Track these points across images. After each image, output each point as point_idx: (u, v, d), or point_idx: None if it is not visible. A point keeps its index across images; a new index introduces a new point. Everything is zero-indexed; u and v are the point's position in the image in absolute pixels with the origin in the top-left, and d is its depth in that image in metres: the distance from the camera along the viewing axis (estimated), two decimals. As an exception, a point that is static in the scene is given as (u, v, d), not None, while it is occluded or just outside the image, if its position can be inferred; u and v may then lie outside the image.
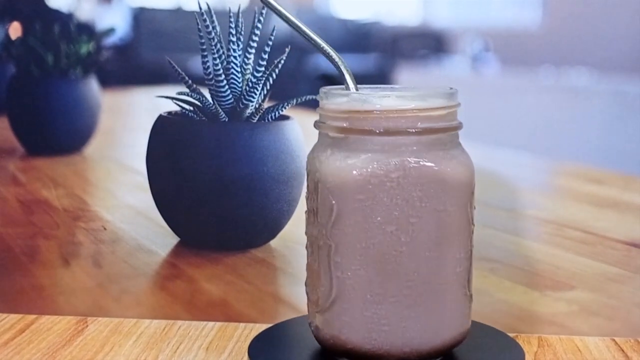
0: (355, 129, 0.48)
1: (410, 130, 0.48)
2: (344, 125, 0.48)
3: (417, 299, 0.48)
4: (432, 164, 0.48)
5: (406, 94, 0.51)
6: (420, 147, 0.48)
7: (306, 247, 0.51)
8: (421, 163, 0.48)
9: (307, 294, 0.51)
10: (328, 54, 0.52)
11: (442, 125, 0.49)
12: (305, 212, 0.50)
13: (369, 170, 0.47)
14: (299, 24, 0.53)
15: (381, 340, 0.48)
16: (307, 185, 0.50)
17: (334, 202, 0.47)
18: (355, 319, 0.48)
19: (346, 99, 0.49)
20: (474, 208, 0.51)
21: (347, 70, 0.52)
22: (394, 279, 0.48)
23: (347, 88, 0.51)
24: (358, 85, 0.52)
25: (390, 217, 0.47)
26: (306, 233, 0.51)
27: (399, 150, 0.48)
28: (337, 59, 0.52)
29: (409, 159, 0.47)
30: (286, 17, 0.53)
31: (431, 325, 0.49)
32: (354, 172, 0.47)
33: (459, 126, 0.50)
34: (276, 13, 0.53)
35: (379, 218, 0.47)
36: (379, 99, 0.49)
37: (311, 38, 0.52)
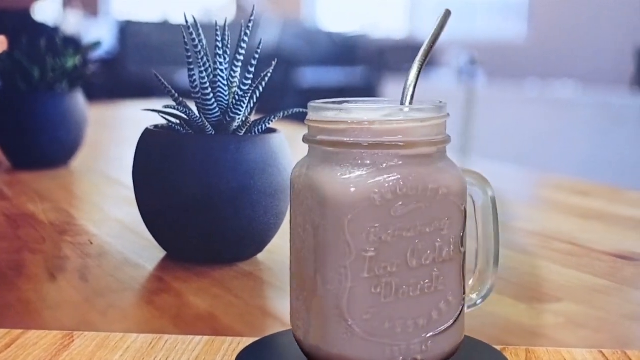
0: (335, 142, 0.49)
1: (391, 143, 0.48)
2: (443, 138, 0.50)
3: (308, 304, 0.50)
4: (314, 176, 0.49)
5: (393, 107, 0.51)
6: (327, 159, 0.49)
7: (381, 287, 0.52)
8: (308, 174, 0.49)
9: (378, 340, 0.52)
10: (417, 69, 0.53)
11: (426, 140, 0.49)
12: (378, 248, 0.51)
13: (292, 174, 0.51)
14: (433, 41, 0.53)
15: (299, 332, 0.51)
16: (389, 214, 0.51)
17: (464, 209, 0.50)
18: (291, 305, 0.52)
19: (333, 112, 0.50)
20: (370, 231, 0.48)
21: (414, 89, 0.52)
22: (298, 279, 0.51)
23: (402, 103, 0.52)
24: (357, 99, 0.53)
25: (298, 220, 0.50)
26: (387, 268, 0.52)
27: (312, 158, 0.50)
28: (414, 77, 0.52)
29: (306, 168, 0.50)
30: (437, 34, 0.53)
31: (317, 334, 0.50)
32: (463, 178, 0.51)
33: (446, 140, 0.50)
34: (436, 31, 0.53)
35: (297, 218, 0.51)
36: (360, 113, 0.49)
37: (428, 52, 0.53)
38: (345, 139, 0.48)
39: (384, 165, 0.48)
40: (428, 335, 0.49)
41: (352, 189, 0.47)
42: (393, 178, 0.48)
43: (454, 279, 0.50)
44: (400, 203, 0.47)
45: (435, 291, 0.49)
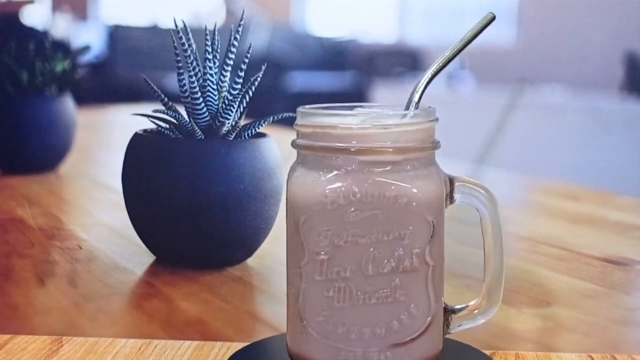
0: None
1: (434, 146, 0.49)
2: (411, 145, 0.49)
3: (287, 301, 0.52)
4: (288, 178, 0.50)
5: (382, 112, 0.51)
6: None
7: (334, 291, 0.51)
8: (288, 175, 0.51)
9: (332, 343, 0.50)
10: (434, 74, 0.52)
11: (386, 146, 0.48)
12: (332, 251, 0.50)
13: (439, 185, 0.50)
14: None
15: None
16: (343, 219, 0.49)
17: (431, 221, 0.49)
18: (440, 334, 0.52)
19: (308, 117, 0.50)
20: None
21: (421, 94, 0.52)
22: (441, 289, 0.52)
23: (407, 107, 0.51)
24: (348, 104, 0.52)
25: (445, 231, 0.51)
26: (341, 273, 0.50)
27: (295, 162, 0.51)
28: (425, 81, 0.52)
29: (290, 170, 0.51)
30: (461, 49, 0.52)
31: (287, 330, 0.52)
32: (437, 188, 0.50)
33: (420, 147, 0.50)
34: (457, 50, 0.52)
35: (445, 232, 0.51)
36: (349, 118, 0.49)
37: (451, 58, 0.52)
38: (311, 143, 0.49)
39: (342, 170, 0.48)
40: (387, 345, 0.48)
41: (306, 192, 0.48)
42: (346, 183, 0.47)
43: (418, 291, 0.49)
44: (354, 209, 0.47)
45: (395, 301, 0.48)
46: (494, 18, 0.52)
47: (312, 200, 0.48)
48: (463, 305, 0.53)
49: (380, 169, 0.48)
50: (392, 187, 0.47)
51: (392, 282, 0.48)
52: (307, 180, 0.48)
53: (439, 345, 0.51)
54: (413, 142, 0.48)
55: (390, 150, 0.48)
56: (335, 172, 0.48)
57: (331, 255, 0.48)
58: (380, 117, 0.50)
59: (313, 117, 0.49)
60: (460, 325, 0.53)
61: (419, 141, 0.49)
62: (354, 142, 0.47)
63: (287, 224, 0.50)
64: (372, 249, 0.47)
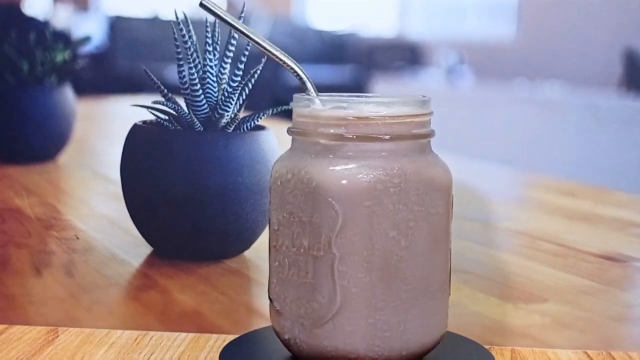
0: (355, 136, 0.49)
1: (384, 137, 0.49)
2: (342, 132, 0.49)
3: (414, 301, 0.50)
4: (425, 168, 0.50)
5: (379, 101, 0.51)
6: (409, 152, 0.50)
7: (279, 262, 0.51)
8: (416, 168, 0.49)
9: (278, 309, 0.51)
10: (284, 61, 0.55)
11: (416, 132, 0.50)
12: (278, 224, 0.51)
13: (373, 176, 0.48)
14: (252, 35, 0.55)
15: (383, 346, 0.49)
16: (284, 195, 0.50)
17: (338, 209, 0.48)
18: (360, 327, 0.49)
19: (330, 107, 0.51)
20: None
21: (307, 77, 0.54)
22: (395, 283, 0.49)
23: (309, 94, 0.53)
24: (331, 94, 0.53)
25: (392, 222, 0.49)
26: (282, 246, 0.51)
27: (397, 155, 0.49)
28: (295, 68, 0.55)
29: (408, 164, 0.49)
30: (242, 30, 0.55)
31: (424, 325, 0.50)
32: (361, 177, 0.48)
33: (431, 133, 0.51)
34: (231, 25, 0.54)
35: (383, 223, 0.48)
36: (356, 105, 0.50)
37: (272, 52, 0.55)
38: (290, 127, 0.53)
39: (290, 152, 0.52)
40: (307, 324, 0.50)
41: (273, 169, 0.52)
42: (285, 163, 0.51)
43: (323, 277, 0.49)
44: (289, 188, 0.50)
45: (307, 283, 0.50)
46: None
47: (272, 177, 0.52)
48: None
49: (312, 153, 0.50)
50: (306, 171, 0.49)
51: (307, 264, 0.50)
52: (441, 164, 0.52)
53: (360, 342, 0.49)
54: (346, 129, 0.50)
55: (319, 134, 0.50)
56: (287, 153, 0.52)
57: (277, 228, 0.51)
58: (327, 101, 0.51)
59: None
60: None
61: (349, 128, 0.50)
62: (298, 126, 0.51)
63: None
64: (297, 229, 0.50)
